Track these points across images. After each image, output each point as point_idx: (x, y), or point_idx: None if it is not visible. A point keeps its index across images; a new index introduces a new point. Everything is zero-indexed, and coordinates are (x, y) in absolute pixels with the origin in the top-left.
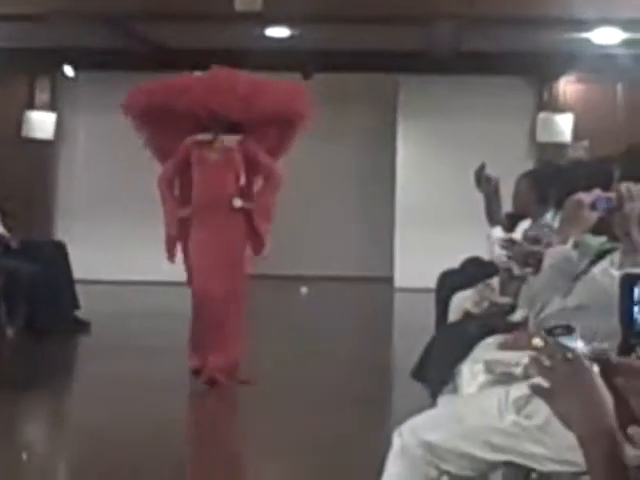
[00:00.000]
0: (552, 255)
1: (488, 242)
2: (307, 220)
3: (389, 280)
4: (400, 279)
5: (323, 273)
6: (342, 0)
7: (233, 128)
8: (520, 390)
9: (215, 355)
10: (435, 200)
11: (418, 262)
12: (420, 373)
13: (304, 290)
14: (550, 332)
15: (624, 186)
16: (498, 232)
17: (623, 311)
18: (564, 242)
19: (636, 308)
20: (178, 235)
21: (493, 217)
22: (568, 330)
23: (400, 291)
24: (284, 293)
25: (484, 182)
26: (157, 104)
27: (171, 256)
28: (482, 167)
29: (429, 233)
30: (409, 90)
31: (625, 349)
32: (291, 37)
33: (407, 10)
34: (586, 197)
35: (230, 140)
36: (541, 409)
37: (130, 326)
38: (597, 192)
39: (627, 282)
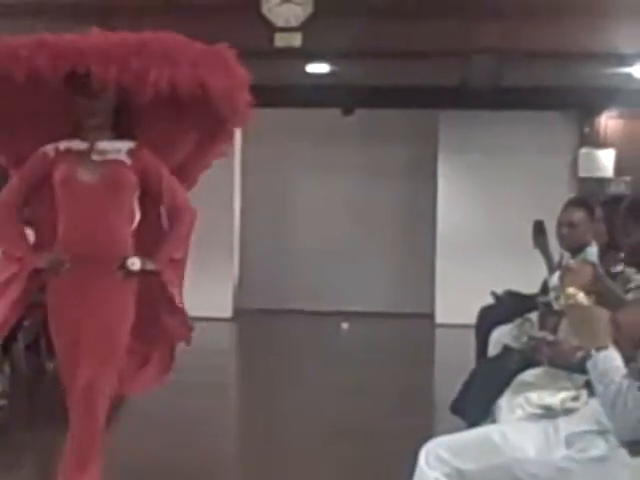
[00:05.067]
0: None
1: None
2: (347, 255)
3: (429, 316)
4: (440, 315)
5: (363, 309)
6: (381, 35)
7: (122, 131)
8: (571, 425)
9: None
10: (476, 235)
11: (458, 297)
12: (459, 407)
13: (345, 326)
14: None
15: None
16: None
17: None
18: None
19: None
20: (26, 294)
21: (551, 265)
22: None
23: (441, 327)
24: (324, 329)
25: (541, 238)
26: None
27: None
28: (540, 226)
29: (469, 268)
30: (449, 125)
31: None
32: (331, 73)
33: (446, 44)
34: None
35: (116, 149)
36: (599, 444)
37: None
38: None
39: None
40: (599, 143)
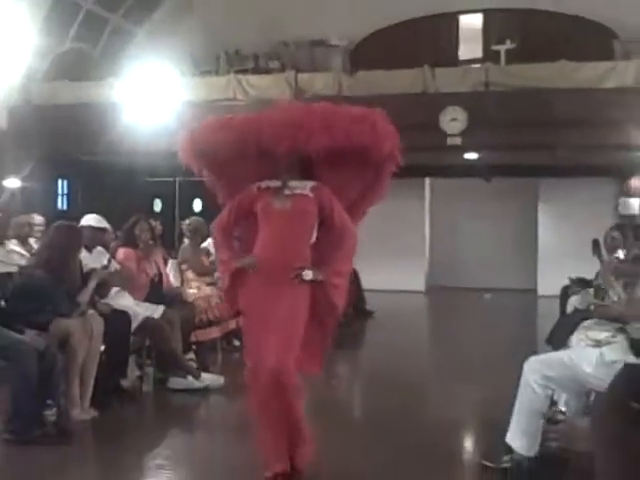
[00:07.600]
0: None
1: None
2: (487, 254)
3: (533, 291)
4: (542, 289)
5: (498, 285)
6: (511, 137)
7: (307, 174)
8: (610, 353)
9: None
10: None
11: (555, 274)
12: (550, 341)
13: (487, 296)
14: None
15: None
16: None
17: None
18: None
19: None
20: (234, 287)
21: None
22: None
23: (542, 298)
24: (474, 299)
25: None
26: (220, 145)
27: (232, 307)
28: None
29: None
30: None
31: None
32: (478, 159)
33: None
34: None
35: (302, 186)
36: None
37: (389, 319)
38: None
39: None
40: None
